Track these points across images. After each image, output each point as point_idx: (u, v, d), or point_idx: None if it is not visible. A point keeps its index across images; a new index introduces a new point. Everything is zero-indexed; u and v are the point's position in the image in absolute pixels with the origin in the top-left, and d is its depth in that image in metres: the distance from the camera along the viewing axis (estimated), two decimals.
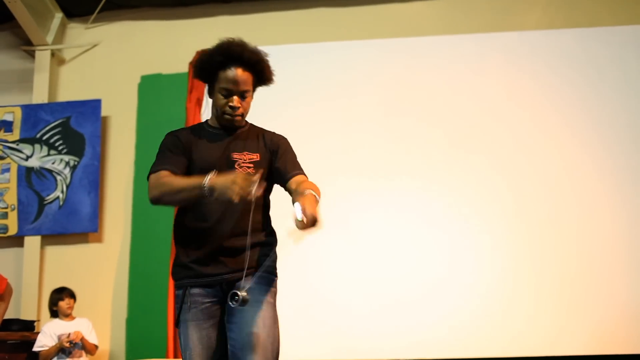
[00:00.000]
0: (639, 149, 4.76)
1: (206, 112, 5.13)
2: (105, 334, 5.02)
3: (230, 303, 2.09)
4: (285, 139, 2.46)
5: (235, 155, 2.31)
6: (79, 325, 4.47)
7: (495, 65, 5.04)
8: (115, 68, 5.66)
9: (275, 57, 5.36)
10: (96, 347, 4.49)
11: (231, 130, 2.37)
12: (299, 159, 2.41)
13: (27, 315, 4.97)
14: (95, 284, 5.15)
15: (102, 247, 5.29)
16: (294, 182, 2.27)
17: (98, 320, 4.89)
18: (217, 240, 2.24)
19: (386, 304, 4.57)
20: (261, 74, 2.35)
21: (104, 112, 5.45)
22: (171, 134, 2.40)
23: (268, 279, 2.27)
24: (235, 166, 2.29)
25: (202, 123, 2.50)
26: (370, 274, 4.64)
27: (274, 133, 2.47)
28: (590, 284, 4.52)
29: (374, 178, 4.84)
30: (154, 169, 2.28)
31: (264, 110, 5.01)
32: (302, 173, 2.34)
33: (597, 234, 4.62)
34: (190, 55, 5.29)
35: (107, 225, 5.32)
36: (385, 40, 5.24)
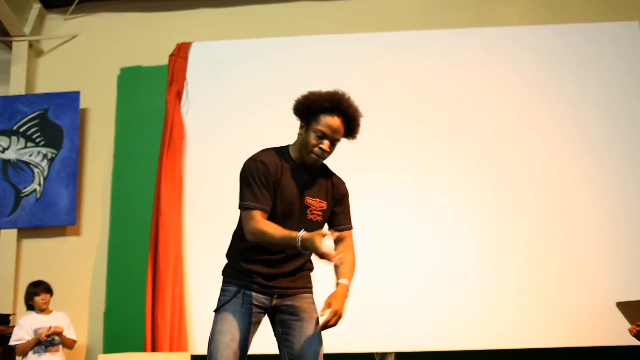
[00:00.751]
0: (619, 143, 4.80)
1: (186, 105, 5.10)
2: (83, 327, 4.98)
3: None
4: (346, 187, 2.70)
5: (309, 201, 2.53)
6: (56, 319, 4.42)
7: (477, 60, 5.06)
8: (95, 60, 5.61)
9: (257, 50, 5.44)
10: (74, 341, 4.45)
11: (307, 168, 2.55)
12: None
13: (2, 308, 4.90)
14: (72, 277, 5.11)
15: (80, 240, 5.24)
16: (342, 235, 2.40)
17: (75, 313, 4.85)
18: (281, 267, 2.52)
19: (372, 300, 4.57)
20: (351, 130, 2.57)
21: (82, 104, 5.39)
22: (260, 162, 2.48)
23: (312, 299, 2.60)
24: (308, 212, 2.53)
25: (284, 150, 2.59)
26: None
27: (339, 180, 2.69)
28: (572, 279, 4.55)
29: (356, 172, 4.82)
30: (248, 205, 2.42)
31: (248, 104, 5.07)
32: (351, 228, 2.66)
33: (579, 229, 4.66)
34: (170, 48, 5.28)
35: (85, 218, 5.27)
36: (368, 35, 5.24)
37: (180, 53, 5.23)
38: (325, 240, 2.19)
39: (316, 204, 2.55)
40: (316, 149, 2.47)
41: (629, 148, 4.78)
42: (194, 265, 4.80)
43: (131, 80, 5.48)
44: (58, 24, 5.73)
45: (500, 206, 4.74)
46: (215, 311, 2.53)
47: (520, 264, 4.62)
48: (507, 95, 4.96)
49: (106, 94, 5.47)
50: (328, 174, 2.66)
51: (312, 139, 2.47)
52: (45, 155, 5.26)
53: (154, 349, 4.59)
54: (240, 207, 2.45)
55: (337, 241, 2.27)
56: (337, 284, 2.43)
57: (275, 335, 2.55)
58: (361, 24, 5.45)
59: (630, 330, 3.74)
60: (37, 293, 4.41)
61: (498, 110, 4.94)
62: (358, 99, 5.04)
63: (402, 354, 4.56)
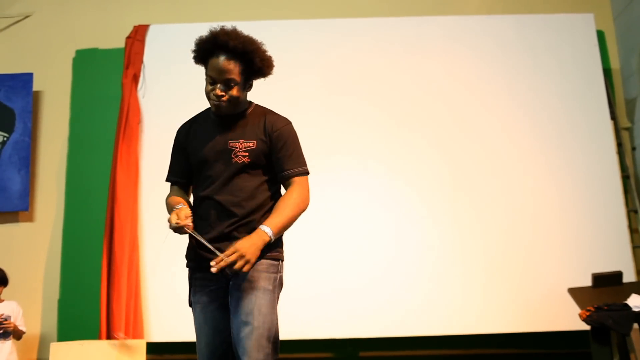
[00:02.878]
0: (571, 133, 4.89)
1: (143, 89, 5.02)
2: (37, 315, 4.89)
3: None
4: (287, 125, 2.44)
5: (232, 144, 2.35)
6: (7, 308, 4.32)
7: (435, 48, 5.10)
8: (49, 41, 5.46)
9: None
10: (23, 332, 4.36)
11: (234, 116, 2.40)
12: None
13: None
14: (26, 264, 4.99)
15: (33, 226, 5.12)
16: (288, 183, 2.38)
17: (29, 301, 4.76)
18: (216, 230, 2.31)
19: (335, 286, 4.59)
20: (251, 64, 2.34)
21: (36, 86, 5.26)
22: (177, 131, 2.54)
23: (267, 265, 2.29)
24: (232, 155, 2.34)
25: (208, 109, 2.52)
26: (311, 256, 4.65)
27: (276, 117, 2.45)
28: (527, 266, 4.64)
29: (317, 157, 4.81)
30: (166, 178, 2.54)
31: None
32: (295, 173, 2.38)
33: (535, 219, 4.74)
34: (127, 30, 5.17)
35: (38, 203, 5.15)
36: (328, 21, 5.22)
37: (137, 35, 5.12)
38: (172, 216, 2.26)
39: (240, 145, 2.35)
40: (211, 95, 2.35)
41: (581, 138, 4.88)
42: (150, 252, 4.75)
43: (87, 63, 5.36)
44: (9, 2, 5.54)
45: (462, 195, 4.80)
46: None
47: (479, 253, 4.68)
48: (465, 82, 5.01)
49: (61, 76, 5.34)
50: (262, 112, 2.45)
51: (207, 87, 2.37)
52: None
53: (108, 336, 4.53)
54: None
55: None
56: (257, 229, 2.26)
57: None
58: (322, 10, 5.43)
59: (580, 315, 3.84)
60: None
61: (457, 97, 4.98)
62: (318, 85, 5.10)
63: (365, 340, 4.61)
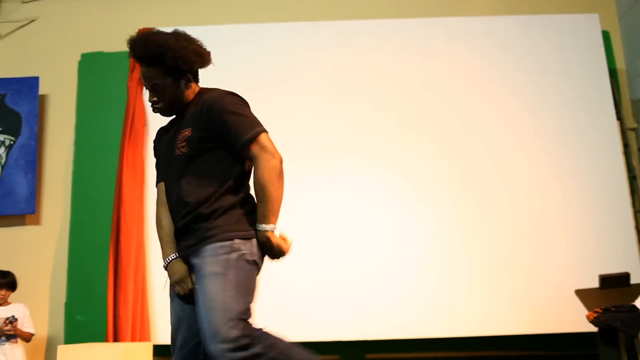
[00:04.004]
0: (577, 134, 4.87)
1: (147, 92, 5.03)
2: (44, 318, 4.90)
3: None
4: (221, 96, 2.29)
5: (177, 138, 2.31)
6: (14, 310, 4.34)
7: (439, 49, 5.09)
8: (54, 45, 5.47)
9: (219, 36, 5.39)
10: (31, 335, 4.38)
11: (182, 112, 2.39)
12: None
13: None
14: (33, 267, 5.00)
15: (40, 229, 5.13)
16: (248, 159, 2.27)
17: (36, 304, 4.77)
18: (176, 223, 2.30)
19: (342, 289, 4.59)
20: (163, 63, 2.27)
21: (42, 90, 5.27)
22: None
23: (213, 249, 2.17)
24: (175, 149, 2.29)
25: None
26: (317, 259, 4.65)
27: (210, 94, 2.32)
28: (534, 268, 4.63)
29: (323, 159, 4.85)
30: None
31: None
32: (247, 140, 2.20)
33: (542, 220, 4.72)
34: (132, 34, 5.16)
35: (45, 206, 5.16)
36: (333, 22, 5.22)
37: None
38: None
39: (180, 137, 2.28)
40: (150, 103, 2.37)
41: (587, 139, 4.86)
42: (156, 254, 4.75)
43: (92, 67, 5.37)
44: (15, 7, 5.57)
45: (468, 197, 4.78)
46: None
47: (485, 254, 4.67)
48: (470, 83, 5.00)
49: (66, 80, 5.35)
50: (200, 97, 2.35)
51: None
52: (2, 142, 5.13)
53: (116, 339, 4.54)
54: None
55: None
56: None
57: None
58: (325, 12, 5.43)
59: (587, 317, 3.83)
60: None
61: (462, 98, 4.97)
62: (322, 87, 5.11)
63: (371, 342, 4.61)
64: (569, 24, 5.10)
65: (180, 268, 2.26)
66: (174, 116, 2.44)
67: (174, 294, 2.30)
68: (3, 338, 4.21)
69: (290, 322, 4.49)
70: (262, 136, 2.22)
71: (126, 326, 4.52)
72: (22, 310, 4.39)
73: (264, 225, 2.19)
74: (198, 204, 2.22)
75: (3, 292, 4.35)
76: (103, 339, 4.59)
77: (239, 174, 2.29)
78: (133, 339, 4.52)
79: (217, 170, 2.26)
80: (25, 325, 4.35)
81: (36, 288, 4.95)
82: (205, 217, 2.20)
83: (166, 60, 2.25)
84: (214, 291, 2.09)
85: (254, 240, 2.21)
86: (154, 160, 2.51)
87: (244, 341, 2.01)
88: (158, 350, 4.54)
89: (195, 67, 2.37)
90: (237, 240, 2.17)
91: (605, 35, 5.18)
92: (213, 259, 2.15)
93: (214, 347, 2.02)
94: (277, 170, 2.20)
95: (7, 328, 4.20)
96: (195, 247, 2.21)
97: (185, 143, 2.26)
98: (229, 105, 2.26)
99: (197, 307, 2.14)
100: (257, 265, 2.22)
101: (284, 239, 2.25)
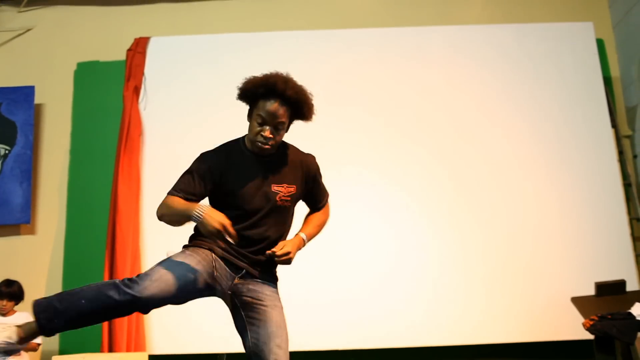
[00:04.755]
0: (572, 141, 4.89)
1: (144, 101, 5.03)
2: None
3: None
4: (316, 163, 2.66)
5: (275, 188, 2.49)
6: (19, 320, 4.31)
7: (436, 57, 5.11)
8: (50, 54, 5.48)
9: (216, 46, 5.40)
10: (38, 344, 4.36)
11: (272, 156, 2.51)
12: None
13: None
14: (28, 276, 4.94)
15: (35, 239, 5.12)
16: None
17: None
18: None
19: (336, 297, 4.59)
20: (299, 111, 2.50)
21: (37, 99, 5.28)
22: (206, 157, 2.52)
23: (276, 285, 2.57)
24: (277, 199, 2.49)
25: (239, 141, 2.57)
26: (312, 267, 4.63)
27: (309, 159, 2.63)
28: (530, 276, 4.63)
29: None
30: (170, 191, 2.46)
31: (206, 100, 5.02)
32: (325, 202, 2.77)
33: (537, 229, 4.72)
34: (128, 43, 5.19)
35: (40, 216, 5.15)
36: (330, 31, 5.25)
37: (138, 48, 5.15)
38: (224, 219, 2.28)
39: (284, 190, 2.51)
40: (259, 137, 2.44)
41: (582, 146, 4.87)
42: (152, 264, 4.70)
43: (88, 76, 5.38)
44: (11, 17, 5.58)
45: (463, 204, 4.79)
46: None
47: (480, 262, 4.67)
48: (466, 91, 5.03)
49: (62, 89, 5.36)
50: (296, 155, 2.61)
51: (254, 127, 2.46)
52: None
53: (111, 349, 4.51)
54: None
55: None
56: (296, 234, 2.58)
57: (238, 318, 2.49)
58: (323, 20, 5.45)
59: (583, 324, 3.83)
60: (1, 295, 4.30)
61: (458, 106, 4.99)
62: (320, 96, 5.07)
63: (367, 351, 4.59)
64: (564, 32, 5.13)
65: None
66: (235, 149, 2.55)
67: (201, 270, 2.39)
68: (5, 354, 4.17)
69: None
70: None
71: (121, 336, 4.49)
72: (25, 320, 4.35)
73: (306, 237, 2.64)
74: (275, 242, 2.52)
75: (4, 302, 4.32)
76: (98, 349, 4.56)
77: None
78: (128, 349, 4.50)
79: (290, 220, 2.64)
80: None
81: (31, 297, 4.81)
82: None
83: (303, 107, 2.51)
84: (283, 321, 2.48)
85: None
86: (192, 173, 2.48)
87: None
88: None
89: (307, 121, 2.60)
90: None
91: (600, 44, 5.21)
92: (278, 295, 2.56)
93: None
94: (327, 223, 2.85)
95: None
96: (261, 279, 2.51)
97: (289, 198, 2.53)
98: (320, 171, 2.69)
99: (269, 325, 2.41)
100: None
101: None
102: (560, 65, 5.04)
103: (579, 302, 4.07)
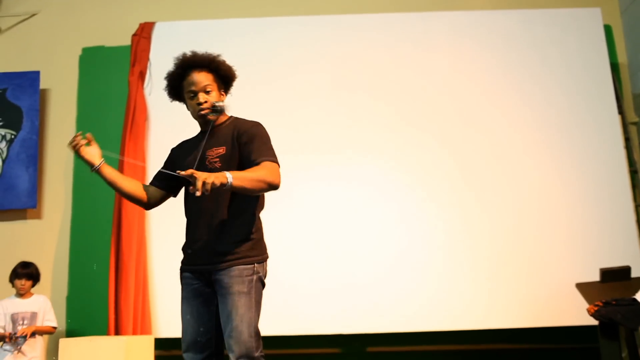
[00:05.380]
0: (579, 127, 4.87)
1: (149, 86, 5.03)
2: None
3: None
4: (256, 125, 2.60)
5: (207, 153, 2.54)
6: (35, 303, 4.35)
7: (441, 43, 5.09)
8: (55, 39, 5.48)
9: (221, 31, 5.38)
10: (54, 328, 4.40)
11: (207, 130, 2.58)
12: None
13: None
14: (34, 261, 4.90)
15: (42, 223, 5.15)
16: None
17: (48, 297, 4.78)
18: (200, 238, 2.53)
19: (343, 282, 4.59)
20: (218, 70, 2.61)
21: (43, 84, 5.28)
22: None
23: (239, 270, 2.45)
24: (206, 163, 2.53)
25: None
26: (319, 252, 4.66)
27: (245, 121, 2.63)
28: (535, 262, 4.63)
29: (324, 153, 4.84)
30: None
31: None
32: (264, 159, 2.46)
33: (543, 214, 4.72)
34: (133, 28, 5.18)
35: (46, 201, 5.17)
36: (335, 17, 5.22)
37: (143, 33, 5.14)
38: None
39: (213, 153, 2.54)
40: (196, 107, 2.57)
41: (589, 133, 4.86)
42: (158, 248, 4.76)
43: (93, 61, 5.38)
44: (16, 1, 5.57)
45: (469, 190, 4.79)
46: None
47: (487, 248, 4.67)
48: (471, 77, 5.01)
49: (68, 74, 5.36)
50: (235, 122, 2.64)
51: (191, 104, 2.60)
52: (3, 137, 5.14)
53: (117, 332, 4.55)
54: None
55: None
56: None
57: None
58: (329, 6, 5.42)
59: (588, 310, 3.84)
60: (18, 276, 4.35)
61: (463, 92, 4.98)
62: (325, 80, 5.10)
63: (372, 335, 4.61)
64: (571, 18, 5.10)
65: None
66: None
67: (191, 297, 2.55)
68: (19, 341, 4.20)
69: (292, 316, 4.50)
70: (278, 165, 2.57)
71: (127, 319, 4.52)
72: (43, 303, 4.40)
73: (231, 177, 2.29)
74: (232, 227, 2.50)
75: (23, 281, 4.35)
76: (104, 332, 4.60)
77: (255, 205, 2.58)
78: (134, 333, 4.53)
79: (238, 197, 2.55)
80: (47, 317, 4.37)
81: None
82: (240, 241, 2.50)
83: (221, 67, 2.66)
84: (240, 307, 2.40)
85: (265, 264, 2.56)
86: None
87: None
88: (159, 343, 4.55)
89: (233, 80, 2.76)
90: (257, 265, 2.51)
91: (607, 30, 5.17)
92: (238, 279, 2.44)
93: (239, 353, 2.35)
94: (270, 180, 2.44)
95: (19, 338, 4.19)
96: (224, 265, 2.46)
97: (218, 159, 2.54)
98: (262, 134, 2.60)
99: (222, 315, 2.43)
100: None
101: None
102: (567, 52, 5.02)
103: (584, 288, 4.07)
